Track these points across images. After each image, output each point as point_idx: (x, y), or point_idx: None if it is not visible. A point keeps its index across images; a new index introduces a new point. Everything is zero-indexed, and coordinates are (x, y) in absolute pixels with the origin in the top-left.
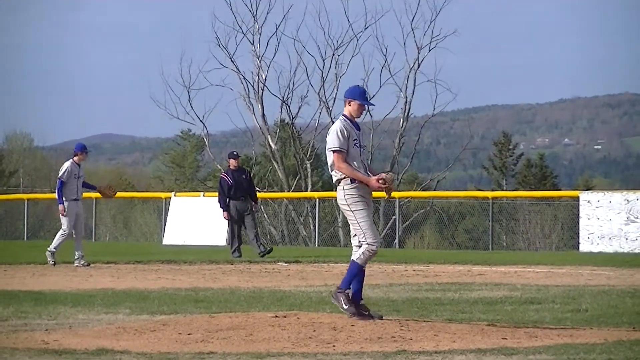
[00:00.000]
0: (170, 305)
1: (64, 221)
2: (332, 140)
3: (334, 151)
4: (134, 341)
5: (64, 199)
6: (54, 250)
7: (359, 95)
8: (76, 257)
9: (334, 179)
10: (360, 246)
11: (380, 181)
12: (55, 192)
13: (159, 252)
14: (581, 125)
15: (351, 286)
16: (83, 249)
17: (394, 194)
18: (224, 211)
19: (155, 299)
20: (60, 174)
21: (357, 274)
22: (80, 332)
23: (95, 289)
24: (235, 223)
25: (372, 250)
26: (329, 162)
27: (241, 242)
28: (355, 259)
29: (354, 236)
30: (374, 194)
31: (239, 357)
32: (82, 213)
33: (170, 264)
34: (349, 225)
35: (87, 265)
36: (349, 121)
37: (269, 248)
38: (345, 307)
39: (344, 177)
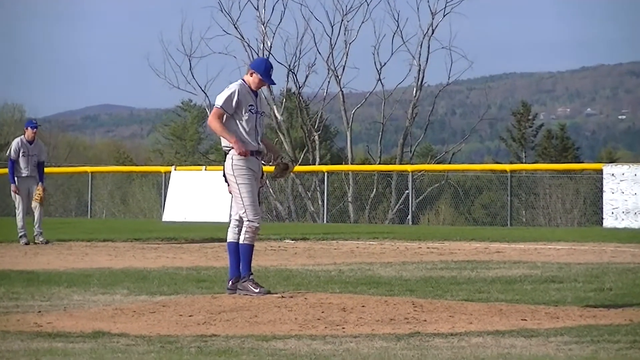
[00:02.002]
0: (170, 286)
1: (16, 199)
2: (220, 97)
3: (214, 106)
4: (132, 323)
5: (15, 177)
6: (23, 231)
7: (264, 71)
8: (35, 234)
9: (223, 145)
10: (240, 221)
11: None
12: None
13: (158, 229)
14: (604, 94)
15: (229, 264)
16: (42, 226)
17: (409, 167)
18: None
19: (154, 279)
20: (7, 153)
21: (251, 254)
22: (76, 314)
23: (92, 268)
24: None
25: (253, 226)
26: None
27: None
28: (242, 242)
29: (233, 208)
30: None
31: (243, 339)
32: (34, 189)
33: (170, 242)
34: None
35: (46, 243)
36: (247, 86)
37: None
38: (256, 290)
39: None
